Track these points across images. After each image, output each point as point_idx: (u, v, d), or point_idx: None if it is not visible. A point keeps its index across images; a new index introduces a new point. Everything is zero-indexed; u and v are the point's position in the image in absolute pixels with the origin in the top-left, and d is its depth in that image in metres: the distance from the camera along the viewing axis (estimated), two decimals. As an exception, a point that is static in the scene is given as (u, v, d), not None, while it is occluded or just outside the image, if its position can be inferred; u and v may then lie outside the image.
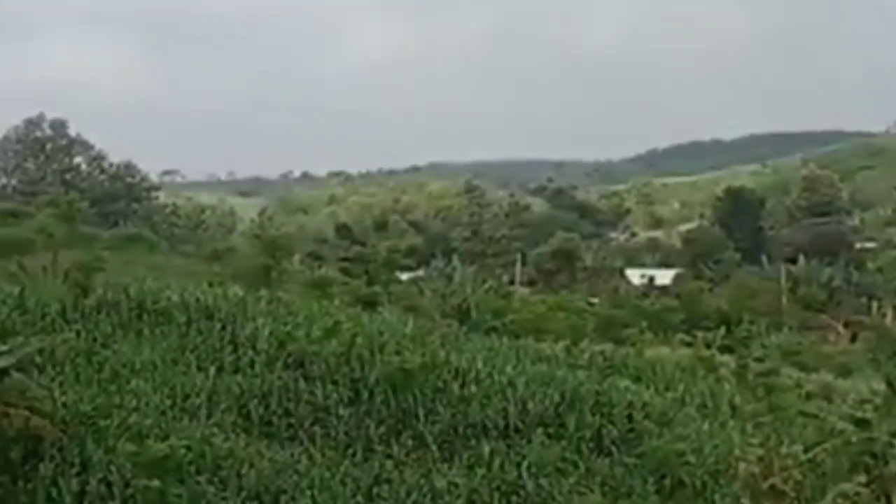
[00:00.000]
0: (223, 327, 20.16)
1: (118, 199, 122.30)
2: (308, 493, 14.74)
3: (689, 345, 42.02)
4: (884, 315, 79.85)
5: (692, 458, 16.68)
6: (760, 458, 13.87)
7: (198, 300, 21.74)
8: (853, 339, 75.58)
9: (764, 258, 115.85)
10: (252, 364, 18.49)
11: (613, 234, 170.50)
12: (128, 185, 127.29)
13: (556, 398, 18.30)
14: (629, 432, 17.82)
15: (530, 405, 17.89)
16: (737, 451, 15.68)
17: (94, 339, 19.09)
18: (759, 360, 37.64)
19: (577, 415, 17.88)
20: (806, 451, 14.32)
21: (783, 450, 13.97)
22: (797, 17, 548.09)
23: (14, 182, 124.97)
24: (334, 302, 28.12)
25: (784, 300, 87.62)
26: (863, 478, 13.41)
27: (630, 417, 18.31)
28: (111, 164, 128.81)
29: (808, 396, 27.41)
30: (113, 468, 14.12)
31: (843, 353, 56.19)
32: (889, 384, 15.56)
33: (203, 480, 14.35)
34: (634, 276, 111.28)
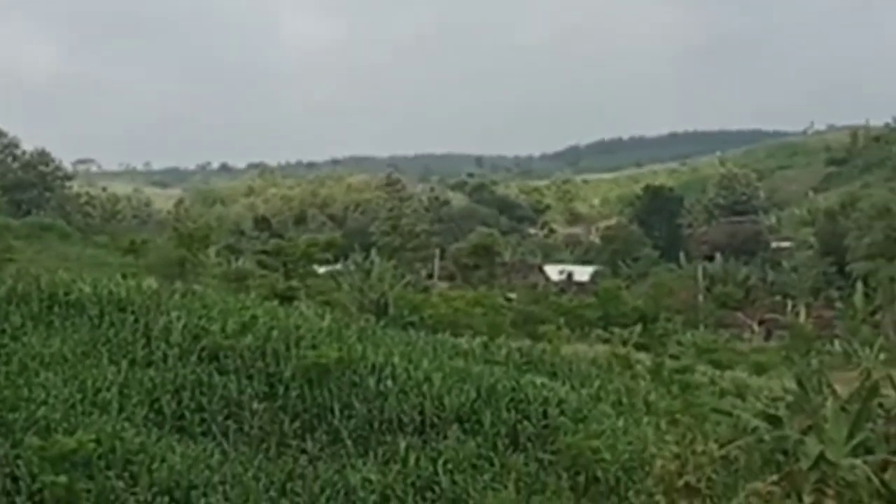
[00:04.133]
0: (136, 320, 19.87)
1: (31, 187, 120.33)
2: (220, 488, 14.56)
3: (605, 342, 42.27)
4: (798, 314, 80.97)
5: (606, 455, 16.71)
6: (675, 456, 13.97)
7: (111, 292, 21.39)
8: (768, 337, 76.71)
9: (681, 256, 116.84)
10: (165, 358, 18.24)
11: (532, 230, 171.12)
12: (41, 174, 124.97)
13: (473, 394, 18.26)
14: (544, 428, 17.83)
15: (446, 401, 17.83)
16: (651, 448, 15.78)
17: (3, 331, 18.72)
18: (675, 357, 38.14)
19: (493, 411, 17.86)
20: (720, 448, 14.45)
21: (697, 447, 14.08)
22: (720, 19, 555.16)
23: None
24: (251, 295, 27.83)
25: (700, 298, 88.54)
26: (775, 475, 13.57)
27: (545, 414, 18.32)
28: (24, 152, 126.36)
29: (723, 394, 27.72)
30: (20, 462, 13.84)
31: (757, 352, 56.86)
32: (800, 383, 15.75)
33: (113, 475, 14.10)
34: (553, 271, 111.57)
